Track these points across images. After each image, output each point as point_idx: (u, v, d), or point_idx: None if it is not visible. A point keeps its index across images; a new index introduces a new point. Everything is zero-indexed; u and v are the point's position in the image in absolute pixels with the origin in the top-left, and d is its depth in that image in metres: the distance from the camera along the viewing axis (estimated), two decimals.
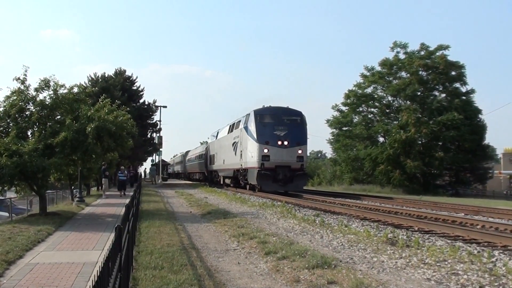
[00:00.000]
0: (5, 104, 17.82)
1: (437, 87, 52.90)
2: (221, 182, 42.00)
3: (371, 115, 58.66)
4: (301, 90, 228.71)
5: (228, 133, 37.83)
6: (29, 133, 18.51)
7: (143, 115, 52.82)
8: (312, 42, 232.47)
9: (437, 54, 51.92)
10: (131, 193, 18.92)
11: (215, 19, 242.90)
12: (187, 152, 74.07)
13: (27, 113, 18.18)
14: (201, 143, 72.17)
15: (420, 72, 51.63)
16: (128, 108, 24.90)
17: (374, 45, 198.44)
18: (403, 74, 53.77)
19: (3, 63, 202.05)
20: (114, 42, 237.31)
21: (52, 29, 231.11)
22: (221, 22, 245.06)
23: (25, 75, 18.08)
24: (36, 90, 18.23)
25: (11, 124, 18.08)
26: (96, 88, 40.78)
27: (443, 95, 52.73)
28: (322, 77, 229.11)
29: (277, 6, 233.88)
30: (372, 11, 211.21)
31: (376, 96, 56.32)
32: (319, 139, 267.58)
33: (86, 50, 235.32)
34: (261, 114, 30.39)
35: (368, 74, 56.51)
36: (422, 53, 52.53)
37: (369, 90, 56.77)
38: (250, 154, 29.88)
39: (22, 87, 17.99)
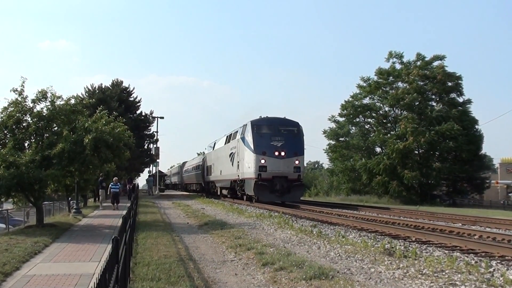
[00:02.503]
0: (2, 115, 17.80)
1: (433, 97, 53.14)
2: (218, 193, 41.93)
3: (368, 125, 58.78)
4: (298, 101, 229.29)
5: (225, 143, 37.82)
6: (26, 144, 18.49)
7: (140, 126, 52.87)
8: (309, 53, 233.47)
9: (434, 64, 52.26)
10: (126, 204, 18.93)
11: (212, 30, 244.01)
12: (184, 163, 73.98)
13: (24, 124, 18.18)
14: (198, 154, 72.16)
15: (418, 82, 51.78)
16: (124, 120, 24.87)
17: (371, 56, 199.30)
18: (400, 84, 53.99)
19: (1, 74, 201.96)
20: (112, 53, 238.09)
21: (50, 40, 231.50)
22: (218, 33, 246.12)
23: (23, 86, 18.11)
24: (33, 101, 18.24)
25: (8, 136, 18.07)
26: (93, 99, 40.84)
27: (440, 105, 52.88)
28: (319, 88, 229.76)
29: (275, 17, 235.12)
30: (369, 21, 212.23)
31: (373, 106, 56.35)
32: (316, 150, 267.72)
33: (84, 61, 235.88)
34: (258, 125, 30.39)
35: (364, 84, 56.61)
36: (418, 63, 52.82)
37: (365, 100, 56.93)
38: (247, 165, 29.87)
39: (19, 98, 17.99)
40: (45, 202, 23.38)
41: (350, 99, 57.61)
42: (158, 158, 58.46)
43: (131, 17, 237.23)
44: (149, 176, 59.67)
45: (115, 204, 29.04)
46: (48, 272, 9.58)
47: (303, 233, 14.74)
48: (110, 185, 30.39)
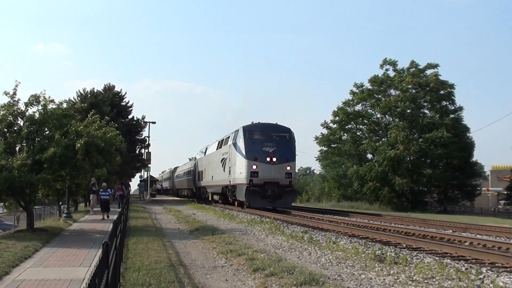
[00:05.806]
0: None
1: (425, 104, 53.24)
2: (210, 199, 41.84)
3: (360, 132, 58.81)
4: (291, 106, 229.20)
5: (217, 149, 37.78)
6: (17, 148, 18.40)
7: (132, 131, 52.71)
8: (302, 60, 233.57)
9: (427, 72, 52.38)
10: (118, 210, 18.84)
11: (206, 36, 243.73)
12: (175, 168, 73.83)
13: (15, 128, 18.08)
14: (190, 159, 71.98)
15: (410, 90, 51.85)
16: (116, 124, 24.79)
17: (363, 63, 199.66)
18: (392, 91, 54.08)
19: None
20: (105, 57, 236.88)
21: (43, 44, 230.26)
22: (212, 38, 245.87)
23: (15, 89, 18.03)
24: (25, 105, 18.15)
25: None
26: (85, 104, 40.71)
27: (433, 113, 52.98)
28: (313, 94, 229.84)
29: (267, 23, 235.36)
30: (362, 29, 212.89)
31: (365, 113, 56.40)
32: (307, 156, 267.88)
33: (77, 65, 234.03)
34: (250, 130, 30.41)
35: (357, 91, 56.63)
36: (412, 70, 52.90)
37: (358, 107, 56.97)
38: (239, 170, 29.85)
39: (11, 102, 17.91)
40: (36, 207, 23.25)
41: (343, 105, 57.65)
42: (150, 163, 58.34)
43: (124, 21, 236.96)
44: (140, 181, 59.45)
45: (106, 213, 25.43)
46: (38, 277, 9.54)
47: (294, 239, 14.75)
48: (100, 191, 26.72)
